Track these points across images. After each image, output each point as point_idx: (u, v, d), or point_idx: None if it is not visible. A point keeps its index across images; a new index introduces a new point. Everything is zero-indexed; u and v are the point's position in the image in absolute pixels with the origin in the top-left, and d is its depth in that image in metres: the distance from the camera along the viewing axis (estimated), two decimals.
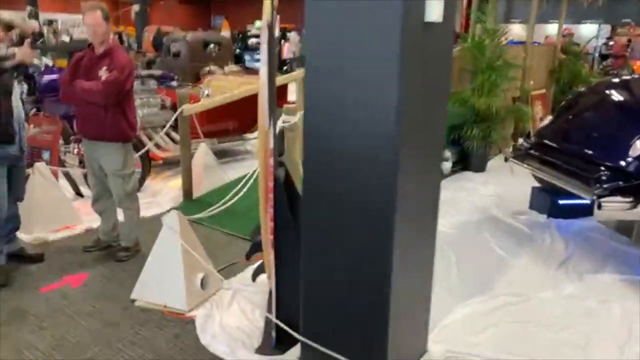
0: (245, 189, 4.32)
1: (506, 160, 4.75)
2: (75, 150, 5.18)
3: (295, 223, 2.65)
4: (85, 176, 4.88)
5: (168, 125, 5.01)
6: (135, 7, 17.85)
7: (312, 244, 2.26)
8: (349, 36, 1.91)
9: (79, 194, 5.02)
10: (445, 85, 2.28)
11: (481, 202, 5.21)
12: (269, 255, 2.81)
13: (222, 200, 4.38)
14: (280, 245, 2.62)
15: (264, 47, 2.58)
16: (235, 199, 4.29)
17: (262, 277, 3.25)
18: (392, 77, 1.84)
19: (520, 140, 5.04)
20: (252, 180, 4.28)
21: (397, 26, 1.80)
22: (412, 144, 2.00)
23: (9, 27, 3.28)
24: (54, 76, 6.15)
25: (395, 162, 1.92)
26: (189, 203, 4.90)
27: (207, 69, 9.09)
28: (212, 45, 11.07)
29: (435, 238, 2.46)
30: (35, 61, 3.08)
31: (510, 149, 4.91)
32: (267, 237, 3.04)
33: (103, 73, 3.45)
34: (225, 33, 17.88)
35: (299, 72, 6.21)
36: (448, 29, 2.13)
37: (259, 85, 2.68)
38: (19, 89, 3.35)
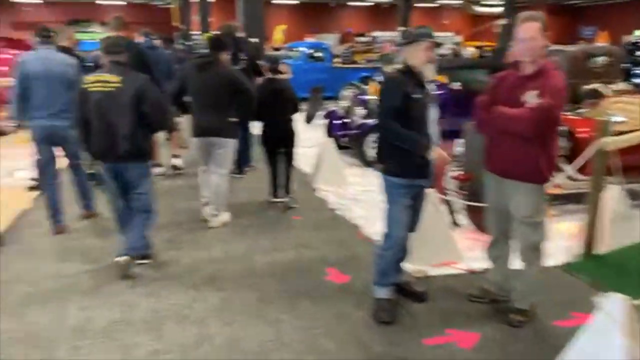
0: None
1: None
2: (456, 174, 4.82)
3: None
4: (467, 206, 4.46)
5: (580, 163, 3.98)
6: (502, 21, 17.33)
7: None
8: None
9: (455, 223, 4.63)
10: None
11: None
12: None
13: None
14: None
15: None
16: None
17: None
18: None
19: None
20: None
21: None
22: None
23: (437, 44, 3.02)
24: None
25: None
26: (590, 261, 3.86)
27: (589, 87, 7.67)
28: (598, 59, 9.49)
29: None
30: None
31: None
32: None
33: (531, 98, 2.81)
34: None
35: None
36: None
37: None
38: (435, 114, 3.04)
